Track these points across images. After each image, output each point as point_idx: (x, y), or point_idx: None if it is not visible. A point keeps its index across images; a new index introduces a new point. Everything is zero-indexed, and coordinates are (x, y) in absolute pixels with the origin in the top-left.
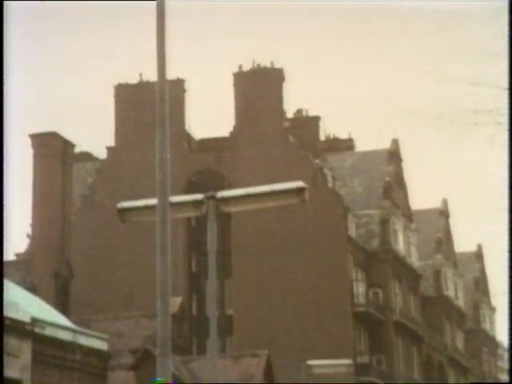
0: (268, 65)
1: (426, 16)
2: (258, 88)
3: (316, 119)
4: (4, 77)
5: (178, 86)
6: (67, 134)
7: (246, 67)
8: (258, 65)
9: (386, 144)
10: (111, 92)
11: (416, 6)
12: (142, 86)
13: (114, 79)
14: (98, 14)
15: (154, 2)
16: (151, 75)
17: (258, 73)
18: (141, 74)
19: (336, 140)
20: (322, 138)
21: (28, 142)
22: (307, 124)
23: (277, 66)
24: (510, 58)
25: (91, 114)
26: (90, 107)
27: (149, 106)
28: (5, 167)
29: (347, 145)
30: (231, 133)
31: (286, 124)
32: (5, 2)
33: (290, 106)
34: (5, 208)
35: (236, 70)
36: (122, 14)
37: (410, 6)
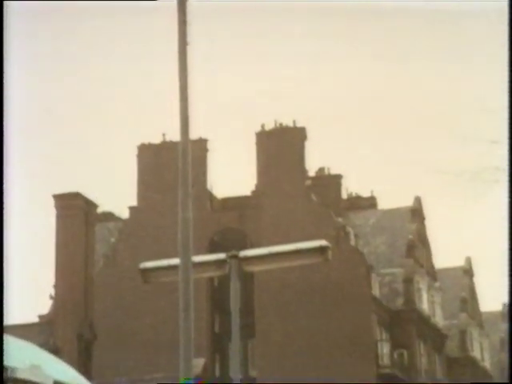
0: (290, 124)
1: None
2: (280, 147)
3: (338, 177)
4: (4, 78)
5: (201, 145)
6: (85, 190)
7: (269, 126)
8: (281, 124)
9: (408, 202)
10: (134, 151)
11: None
12: (165, 146)
13: (136, 137)
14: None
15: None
16: (174, 134)
17: (280, 132)
18: (164, 134)
19: (358, 198)
20: (345, 196)
21: (51, 200)
22: (329, 182)
23: (299, 124)
24: (510, 57)
25: (112, 172)
26: (111, 166)
27: (171, 166)
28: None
29: (370, 203)
30: (253, 192)
31: (308, 182)
32: (5, 2)
33: (312, 164)
34: (27, 269)
35: (258, 129)
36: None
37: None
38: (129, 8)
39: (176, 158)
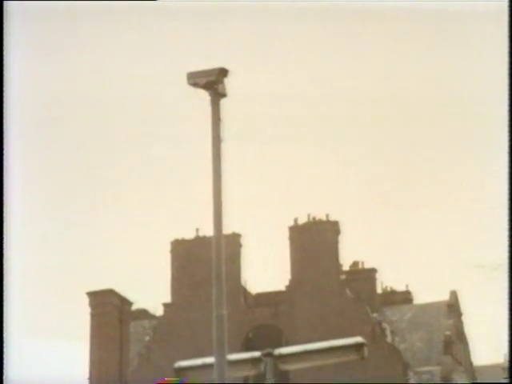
0: (323, 217)
1: None
2: (314, 241)
3: (373, 271)
4: (5, 79)
5: (234, 240)
6: (119, 287)
7: (302, 219)
8: (314, 218)
9: (444, 296)
10: (167, 246)
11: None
12: (198, 242)
13: (169, 231)
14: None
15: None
16: (208, 229)
17: (314, 226)
18: (197, 229)
19: (393, 293)
20: (379, 290)
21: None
22: (364, 276)
23: (332, 218)
24: (510, 56)
25: (146, 268)
26: (144, 262)
27: (205, 262)
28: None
29: (405, 297)
30: (287, 287)
31: (343, 277)
32: (5, 2)
33: (346, 257)
34: (61, 366)
35: (291, 223)
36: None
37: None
38: (131, 9)
39: (209, 254)
